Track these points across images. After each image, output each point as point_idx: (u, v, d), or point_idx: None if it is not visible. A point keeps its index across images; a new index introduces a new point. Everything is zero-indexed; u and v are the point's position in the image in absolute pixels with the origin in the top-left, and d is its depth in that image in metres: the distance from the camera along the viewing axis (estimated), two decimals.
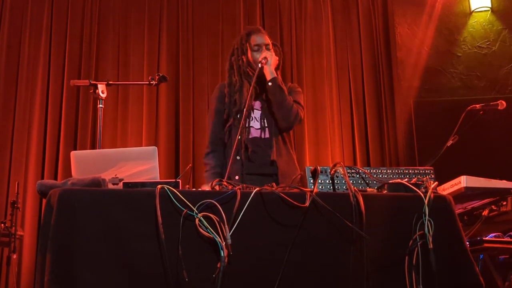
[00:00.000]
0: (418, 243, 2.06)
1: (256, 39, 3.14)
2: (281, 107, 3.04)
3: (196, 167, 5.50)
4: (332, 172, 2.26)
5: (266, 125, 3.09)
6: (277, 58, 3.11)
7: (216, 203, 1.98)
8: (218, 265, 1.90)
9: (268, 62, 3.03)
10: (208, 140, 3.26)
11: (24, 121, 5.73)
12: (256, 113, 3.13)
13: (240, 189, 2.05)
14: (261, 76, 3.06)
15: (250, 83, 3.03)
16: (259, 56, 3.06)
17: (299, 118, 3.12)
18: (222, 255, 1.90)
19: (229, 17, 6.09)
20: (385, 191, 2.22)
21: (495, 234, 3.00)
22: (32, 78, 5.84)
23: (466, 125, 3.60)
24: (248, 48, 3.12)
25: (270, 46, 3.16)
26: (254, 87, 3.02)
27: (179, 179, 2.10)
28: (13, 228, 4.61)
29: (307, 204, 2.04)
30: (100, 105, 3.51)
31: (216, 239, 1.92)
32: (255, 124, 3.12)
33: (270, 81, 3.02)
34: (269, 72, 3.03)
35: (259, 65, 2.99)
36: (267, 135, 3.10)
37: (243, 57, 3.13)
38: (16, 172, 5.58)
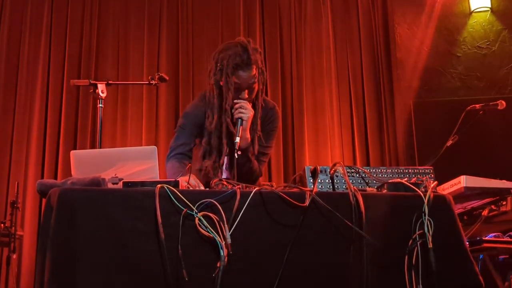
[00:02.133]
0: (418, 243, 2.06)
1: (239, 78, 2.84)
2: (246, 173, 2.91)
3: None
4: (332, 171, 2.26)
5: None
6: (252, 113, 2.89)
7: (216, 203, 1.97)
8: (218, 265, 1.90)
9: (243, 124, 2.83)
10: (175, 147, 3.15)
11: (24, 121, 5.74)
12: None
13: (239, 188, 2.05)
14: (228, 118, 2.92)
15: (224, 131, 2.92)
16: (236, 107, 2.85)
17: (258, 177, 3.05)
18: (222, 254, 1.90)
19: (229, 17, 6.09)
20: (385, 191, 2.22)
21: (495, 234, 3.00)
22: (32, 78, 5.84)
23: (466, 125, 3.61)
24: (230, 84, 2.85)
25: (254, 83, 2.91)
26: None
27: (178, 178, 2.10)
28: (13, 228, 4.61)
29: (307, 203, 2.04)
30: (100, 105, 3.51)
31: (216, 238, 1.92)
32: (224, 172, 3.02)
33: (240, 150, 2.85)
34: (243, 139, 2.85)
35: (235, 139, 2.79)
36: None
37: (225, 89, 2.91)
38: (16, 172, 5.58)
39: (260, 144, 2.99)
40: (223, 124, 2.92)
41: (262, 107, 3.01)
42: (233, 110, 2.88)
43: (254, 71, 2.87)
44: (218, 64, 2.89)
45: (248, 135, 2.90)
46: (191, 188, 2.36)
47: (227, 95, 2.88)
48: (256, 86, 2.92)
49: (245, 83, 2.87)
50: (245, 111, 2.84)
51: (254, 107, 2.97)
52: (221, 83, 2.90)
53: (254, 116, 2.92)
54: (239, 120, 2.83)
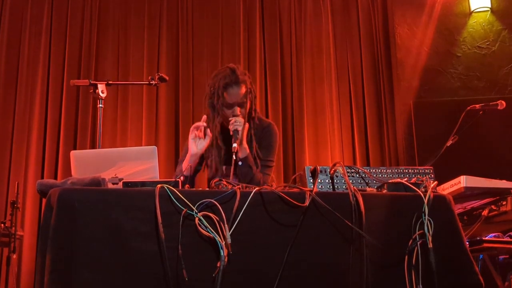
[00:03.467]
0: (418, 243, 2.06)
1: (230, 95, 3.00)
2: (249, 182, 2.92)
3: None
4: (332, 171, 2.26)
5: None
6: (248, 125, 3.01)
7: (216, 203, 1.97)
8: (218, 264, 1.90)
9: (239, 135, 2.93)
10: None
11: (24, 121, 5.74)
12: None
13: (239, 188, 2.05)
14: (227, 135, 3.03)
15: (222, 145, 3.06)
16: (231, 121, 2.96)
17: None
18: (222, 254, 1.90)
19: (228, 17, 6.09)
20: (385, 191, 2.21)
21: (495, 234, 3.00)
22: (32, 78, 5.84)
23: (465, 125, 3.61)
24: (222, 104, 3.02)
25: (245, 101, 3.04)
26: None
27: (178, 178, 2.11)
28: (13, 228, 4.61)
29: (307, 203, 2.04)
30: (100, 105, 3.51)
31: (216, 238, 1.92)
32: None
33: (241, 160, 2.96)
34: (242, 149, 2.95)
35: (232, 150, 2.90)
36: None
37: (217, 108, 3.05)
38: (16, 172, 5.59)
39: (259, 158, 3.09)
40: (219, 140, 3.09)
41: (257, 124, 3.15)
42: (229, 126, 2.99)
43: (244, 89, 3.03)
44: (211, 88, 3.07)
45: (246, 145, 2.99)
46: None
47: (221, 111, 3.03)
48: (247, 104, 3.05)
49: (236, 100, 3.01)
50: (239, 123, 2.96)
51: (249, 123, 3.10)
52: (214, 103, 3.05)
53: (249, 128, 3.04)
54: (235, 131, 2.94)
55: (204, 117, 2.98)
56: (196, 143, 2.98)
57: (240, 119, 2.99)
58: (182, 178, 2.88)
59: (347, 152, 5.79)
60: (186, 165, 3.00)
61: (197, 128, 2.98)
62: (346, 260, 2.03)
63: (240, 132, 2.94)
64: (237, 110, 3.01)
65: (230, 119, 2.99)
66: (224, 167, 3.09)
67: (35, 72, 5.84)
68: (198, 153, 3.00)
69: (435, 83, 5.66)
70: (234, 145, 2.90)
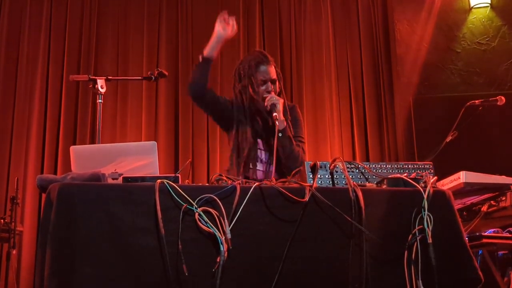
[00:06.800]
0: (417, 238, 2.06)
1: (263, 73, 3.10)
2: (289, 157, 3.02)
3: (195, 162, 5.51)
4: (332, 167, 2.26)
5: (270, 169, 3.06)
6: (283, 100, 3.09)
7: (216, 198, 1.98)
8: (218, 259, 1.90)
9: (278, 109, 2.99)
10: None
11: (24, 116, 5.74)
12: (261, 154, 3.12)
13: (239, 183, 2.05)
14: (261, 112, 3.10)
15: (253, 125, 3.11)
16: (266, 97, 3.05)
17: (302, 164, 3.12)
18: (222, 249, 1.90)
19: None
20: (385, 186, 2.22)
21: (494, 229, 3.00)
22: (32, 73, 5.84)
23: (465, 121, 3.61)
24: (254, 80, 3.10)
25: (276, 80, 3.14)
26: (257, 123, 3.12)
27: (178, 173, 2.11)
28: (13, 223, 4.62)
29: (307, 198, 2.04)
30: (100, 100, 3.51)
31: (215, 233, 1.92)
32: (260, 166, 3.11)
33: (280, 131, 2.99)
34: (280, 121, 2.99)
35: (274, 118, 2.97)
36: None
37: (249, 87, 3.11)
38: (16, 168, 5.59)
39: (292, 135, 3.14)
40: (254, 113, 3.13)
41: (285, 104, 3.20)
42: (265, 103, 3.05)
43: (274, 68, 3.15)
44: (241, 71, 3.15)
45: (283, 118, 3.04)
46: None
47: (257, 89, 3.10)
48: (277, 83, 3.15)
49: (269, 77, 3.11)
50: (275, 98, 3.04)
51: None
52: (249, 87, 3.10)
53: (284, 104, 3.11)
54: (272, 105, 3.01)
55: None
56: (223, 26, 3.03)
57: (276, 96, 3.08)
58: (200, 58, 3.05)
59: (347, 147, 5.79)
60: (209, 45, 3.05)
61: (225, 16, 3.05)
62: (345, 255, 2.04)
63: (277, 106, 3.00)
64: (270, 86, 3.10)
65: (265, 96, 3.07)
66: (260, 141, 3.13)
67: (34, 67, 5.84)
68: (222, 36, 3.03)
69: (435, 79, 5.66)
70: (275, 113, 2.97)
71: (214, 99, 3.16)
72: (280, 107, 3.01)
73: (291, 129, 3.12)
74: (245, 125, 3.12)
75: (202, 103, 3.16)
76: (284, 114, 3.09)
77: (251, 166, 3.06)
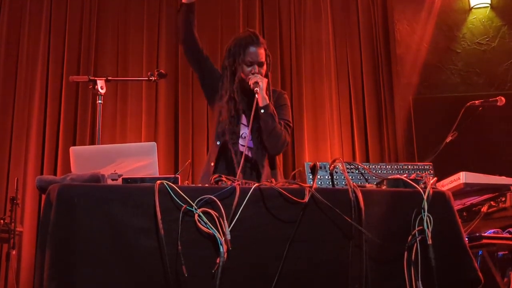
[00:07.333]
0: (417, 239, 2.06)
1: (251, 54, 3.08)
2: (271, 135, 3.02)
3: (195, 163, 5.51)
4: (331, 167, 2.26)
5: (253, 146, 3.07)
6: (267, 80, 3.09)
7: (215, 199, 1.98)
8: (218, 261, 1.90)
9: (260, 87, 2.99)
10: None
11: (23, 117, 5.74)
12: (243, 129, 3.11)
13: (239, 184, 2.05)
14: (249, 92, 3.07)
15: (238, 101, 3.09)
16: (250, 76, 3.04)
17: (286, 144, 3.13)
18: (222, 250, 1.90)
19: (228, 13, 6.08)
20: (384, 187, 2.22)
21: (494, 230, 3.00)
22: (31, 74, 5.83)
23: (465, 121, 3.61)
24: (242, 61, 3.09)
25: (264, 63, 3.12)
26: (242, 102, 3.10)
27: (178, 174, 2.11)
28: (13, 224, 4.61)
29: (306, 199, 2.04)
30: (99, 101, 3.51)
31: (215, 234, 1.92)
32: (242, 141, 3.08)
33: (262, 108, 2.99)
34: (262, 98, 2.99)
35: (255, 92, 2.97)
36: (253, 156, 3.08)
37: (235, 66, 3.13)
38: (16, 168, 5.59)
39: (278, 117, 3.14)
40: (237, 92, 3.11)
41: (271, 90, 3.19)
42: (249, 81, 3.05)
43: (263, 51, 3.11)
44: (231, 49, 3.15)
45: (266, 96, 3.04)
46: None
47: (240, 68, 3.09)
48: (265, 66, 3.13)
49: (256, 59, 3.08)
50: (259, 77, 3.04)
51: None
52: (234, 65, 3.12)
53: (268, 83, 3.10)
54: (255, 83, 3.00)
55: None
56: None
57: (260, 76, 3.07)
58: (179, 5, 3.03)
59: (347, 148, 5.79)
60: None
61: None
62: (345, 256, 2.04)
63: (260, 84, 3.00)
64: (256, 68, 3.08)
65: (249, 76, 3.05)
66: (244, 117, 3.12)
67: (34, 68, 5.84)
68: None
69: (435, 79, 5.66)
70: (257, 88, 2.96)
71: (207, 62, 3.22)
72: (263, 85, 3.02)
73: (275, 111, 3.10)
74: (229, 100, 3.11)
75: (194, 58, 3.22)
76: (268, 95, 3.09)
77: (233, 140, 3.06)
